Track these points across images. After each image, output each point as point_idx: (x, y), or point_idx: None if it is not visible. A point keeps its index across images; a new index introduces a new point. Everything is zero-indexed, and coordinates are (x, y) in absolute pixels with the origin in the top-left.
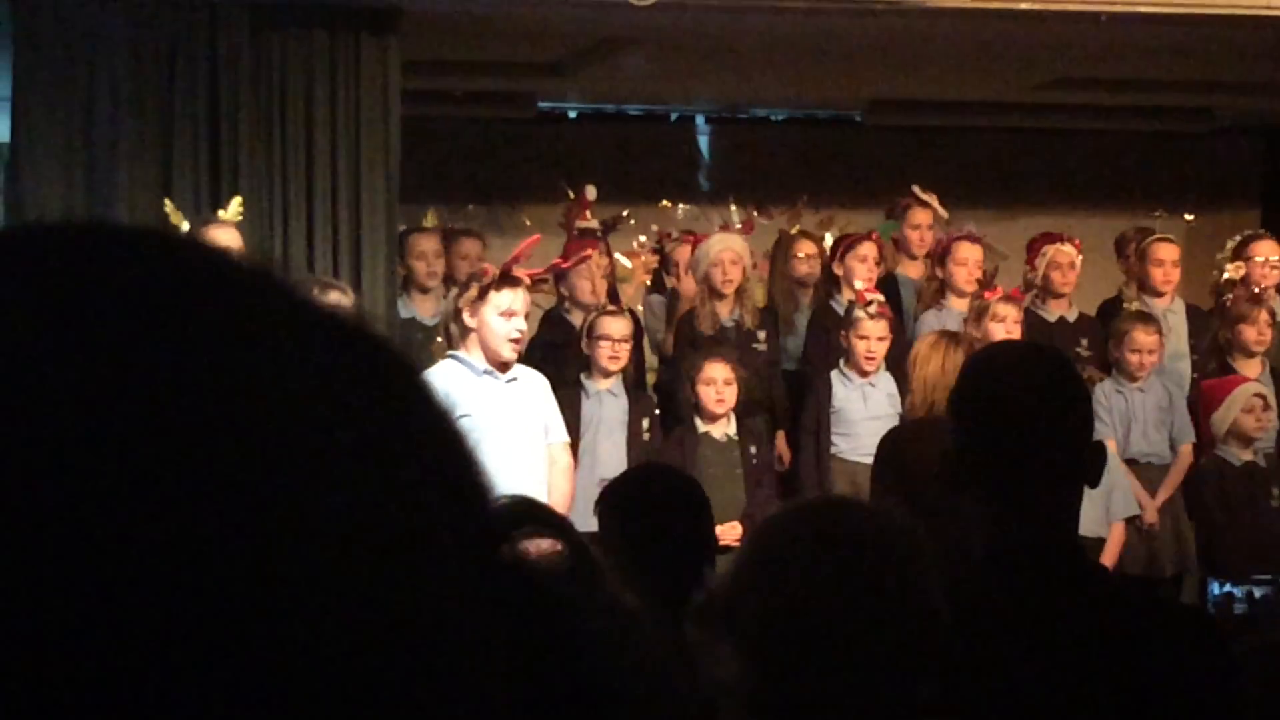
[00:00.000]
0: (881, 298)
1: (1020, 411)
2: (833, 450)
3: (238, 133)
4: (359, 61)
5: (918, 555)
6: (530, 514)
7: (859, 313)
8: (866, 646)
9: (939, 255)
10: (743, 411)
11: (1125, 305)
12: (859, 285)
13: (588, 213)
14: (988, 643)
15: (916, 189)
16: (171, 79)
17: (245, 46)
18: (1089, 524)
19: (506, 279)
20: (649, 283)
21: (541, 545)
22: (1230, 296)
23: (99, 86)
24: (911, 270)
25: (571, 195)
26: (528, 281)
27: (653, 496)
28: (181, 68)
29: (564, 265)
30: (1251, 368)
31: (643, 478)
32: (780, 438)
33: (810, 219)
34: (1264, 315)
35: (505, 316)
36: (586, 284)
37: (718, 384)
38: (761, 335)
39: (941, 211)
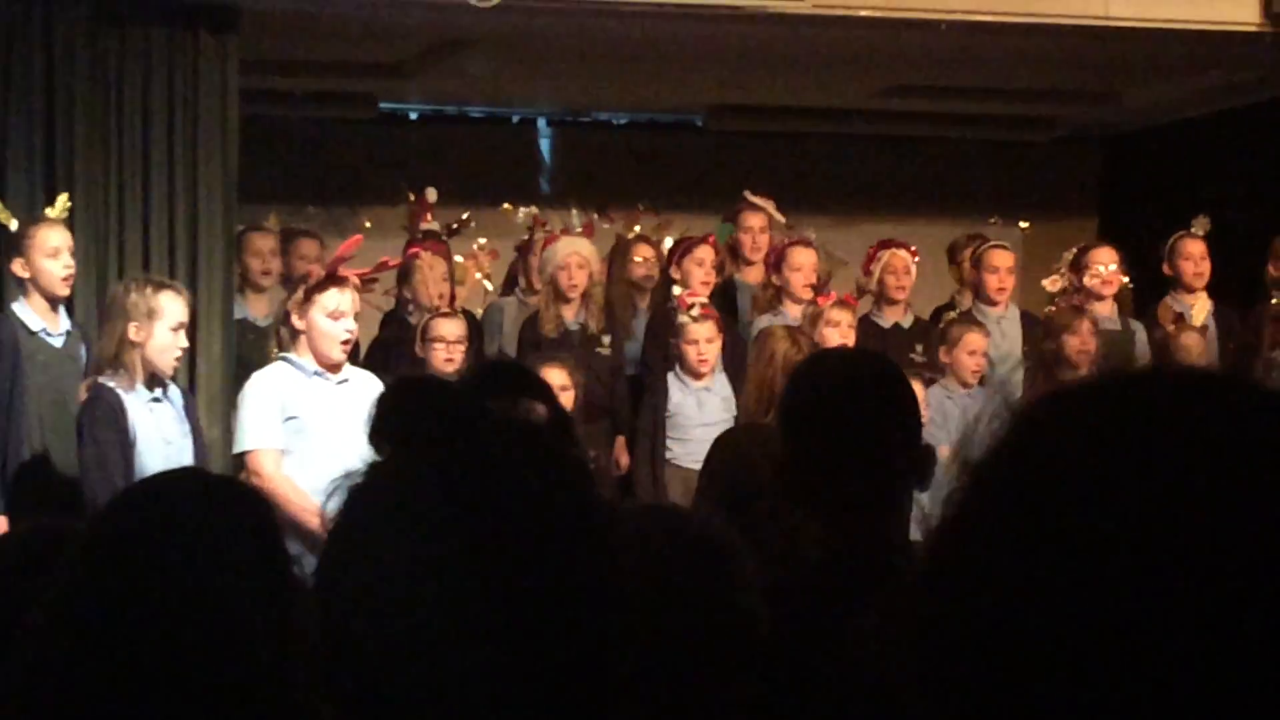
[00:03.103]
0: (704, 299)
1: (845, 418)
2: (668, 456)
3: (73, 129)
4: (197, 59)
5: (732, 559)
6: (527, 383)
7: (683, 318)
8: (675, 648)
9: (775, 261)
10: (583, 416)
11: (951, 311)
12: (676, 291)
13: (429, 215)
14: (819, 647)
15: (747, 194)
16: (6, 72)
17: (82, 40)
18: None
19: (333, 280)
20: (488, 286)
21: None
22: (1053, 307)
23: None
24: (750, 275)
25: (412, 197)
26: (355, 282)
27: None
28: (16, 61)
29: (390, 264)
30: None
31: None
32: (620, 443)
33: (648, 223)
34: (1085, 325)
35: (333, 318)
36: (426, 286)
37: (554, 389)
38: (606, 340)
39: (778, 216)
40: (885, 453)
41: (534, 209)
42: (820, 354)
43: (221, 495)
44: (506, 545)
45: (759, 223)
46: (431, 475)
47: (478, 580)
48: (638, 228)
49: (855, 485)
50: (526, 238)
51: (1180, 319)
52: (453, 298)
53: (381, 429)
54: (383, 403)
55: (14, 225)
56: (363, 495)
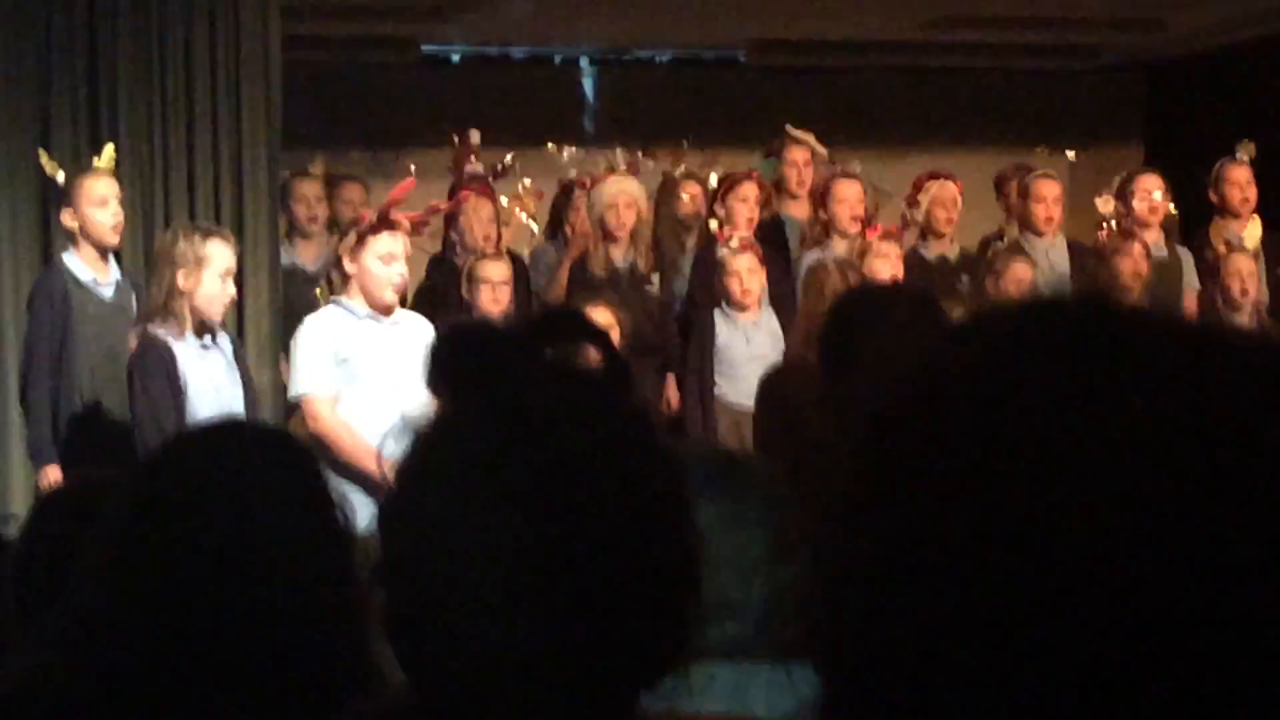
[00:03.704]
0: (744, 233)
1: (883, 354)
2: (717, 392)
3: (117, 80)
4: (239, 5)
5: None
6: (583, 330)
7: (723, 251)
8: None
9: (820, 195)
10: (632, 356)
11: (999, 242)
12: (714, 226)
13: (473, 157)
14: None
15: (789, 128)
16: (49, 25)
17: None
18: None
19: (384, 224)
20: (534, 227)
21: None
22: (1103, 231)
23: None
24: (797, 211)
25: (456, 140)
26: (406, 226)
27: None
28: (59, 13)
29: (440, 209)
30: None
31: None
32: (670, 381)
33: (694, 160)
34: (1137, 249)
35: (385, 261)
36: (472, 229)
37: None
38: (655, 278)
39: (820, 149)
40: None
41: (578, 150)
42: (859, 289)
43: (265, 445)
44: (569, 498)
45: (802, 157)
46: (492, 426)
47: (542, 533)
48: (684, 165)
49: None
50: (566, 186)
51: (1228, 244)
52: (499, 239)
53: (440, 376)
54: (439, 349)
55: (61, 177)
56: (425, 446)
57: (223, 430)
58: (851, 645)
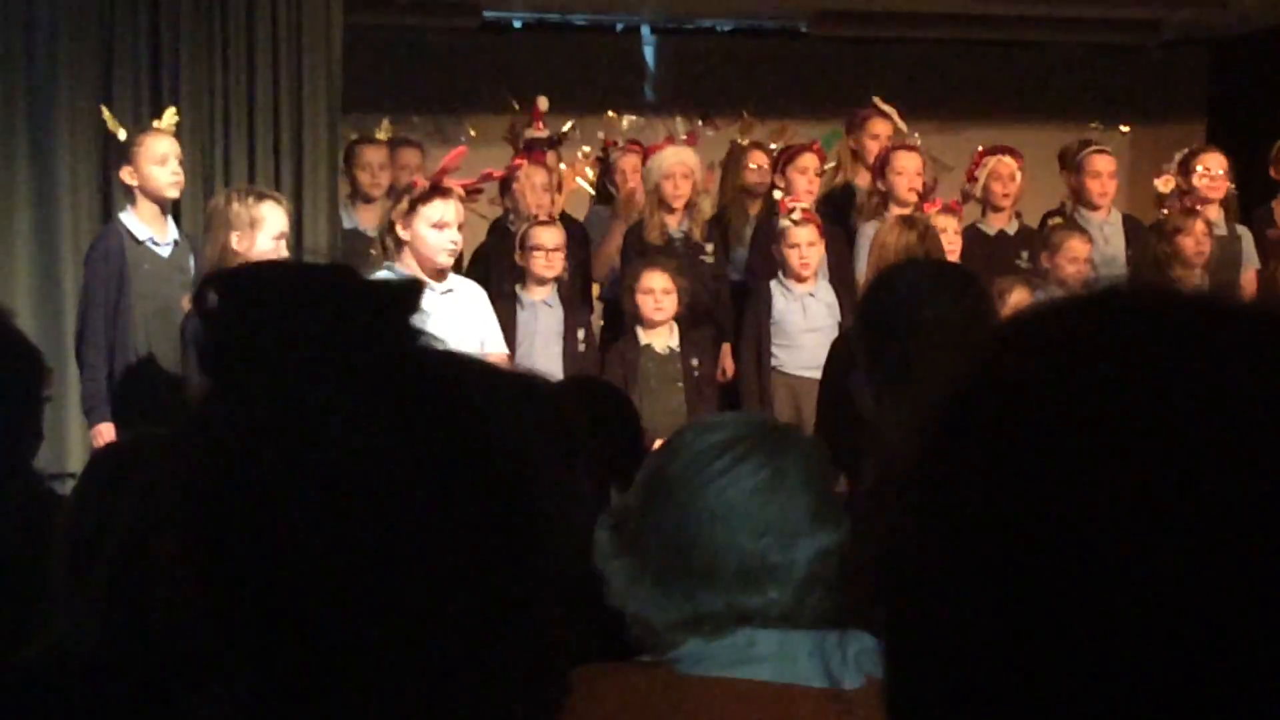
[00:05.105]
0: (805, 204)
1: (916, 327)
2: (773, 363)
3: (178, 41)
4: None
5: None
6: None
7: (784, 222)
8: None
9: (879, 166)
10: (687, 323)
11: (1058, 217)
12: (777, 195)
13: (540, 123)
14: None
15: (877, 100)
16: None
17: None
18: None
19: (437, 191)
20: (594, 192)
21: None
22: (1165, 210)
23: None
24: (867, 181)
25: (517, 106)
26: (460, 193)
27: (580, 411)
28: None
29: (495, 175)
30: (1190, 280)
31: (571, 392)
32: (725, 350)
33: (762, 130)
34: (1200, 226)
35: (438, 228)
36: (525, 196)
37: (655, 294)
38: (709, 247)
39: (901, 124)
40: None
41: (638, 118)
42: (899, 263)
43: None
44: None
45: (885, 129)
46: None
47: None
48: (751, 135)
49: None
50: (603, 154)
51: None
52: (552, 205)
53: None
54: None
55: (123, 135)
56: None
57: None
58: (925, 623)
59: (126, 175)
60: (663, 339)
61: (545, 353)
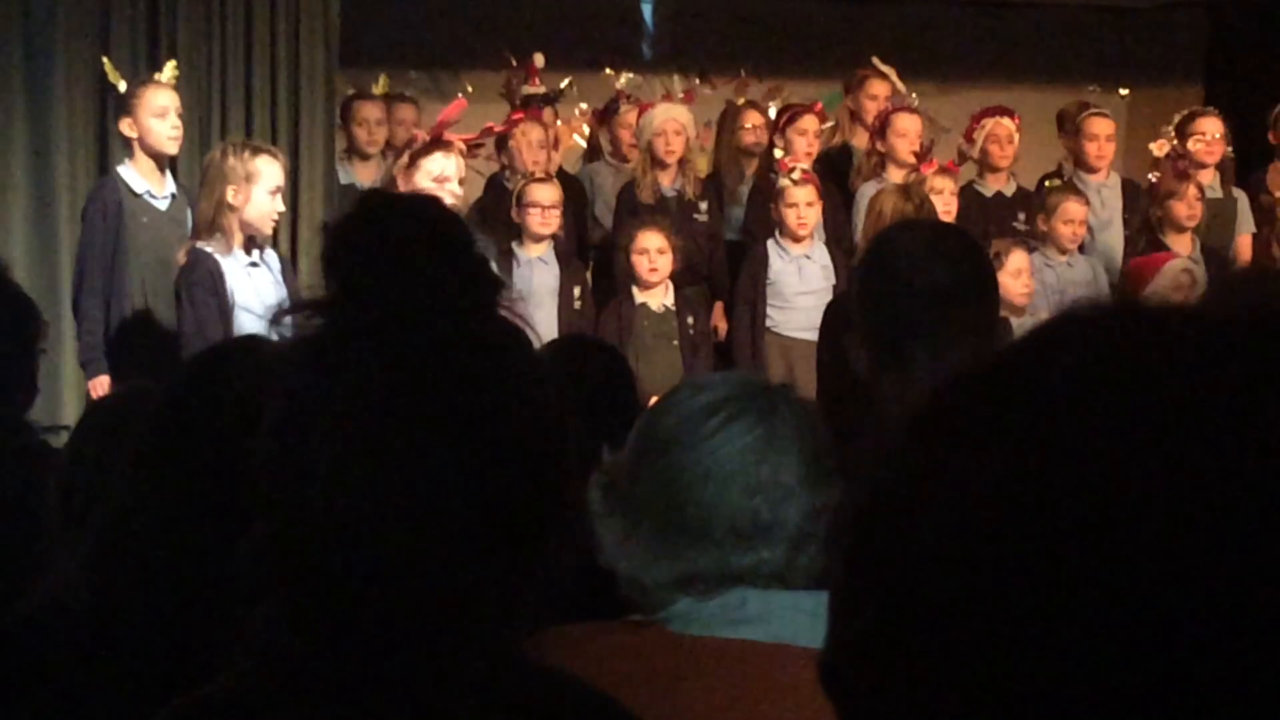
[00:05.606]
0: (804, 165)
1: (914, 291)
2: (768, 324)
3: None
4: None
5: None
6: None
7: (784, 181)
8: None
9: (879, 127)
10: (681, 281)
11: (1057, 179)
12: (778, 154)
13: (536, 79)
14: None
15: (876, 61)
16: None
17: None
18: None
19: (438, 144)
20: (586, 149)
21: None
22: (1159, 173)
23: None
24: (865, 142)
25: (514, 62)
26: (461, 147)
27: (573, 368)
28: None
29: (497, 130)
30: (1182, 244)
31: (564, 349)
32: (718, 309)
33: (758, 89)
34: (1192, 190)
35: (438, 182)
36: (522, 152)
37: (650, 253)
38: (703, 206)
39: (899, 85)
40: (955, 328)
41: (635, 76)
42: (896, 225)
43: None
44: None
45: (884, 90)
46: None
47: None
48: (747, 94)
49: (922, 359)
50: (604, 106)
51: None
52: (548, 162)
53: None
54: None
55: (123, 86)
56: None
57: (243, 345)
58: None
59: (126, 127)
60: (658, 297)
61: (541, 310)
